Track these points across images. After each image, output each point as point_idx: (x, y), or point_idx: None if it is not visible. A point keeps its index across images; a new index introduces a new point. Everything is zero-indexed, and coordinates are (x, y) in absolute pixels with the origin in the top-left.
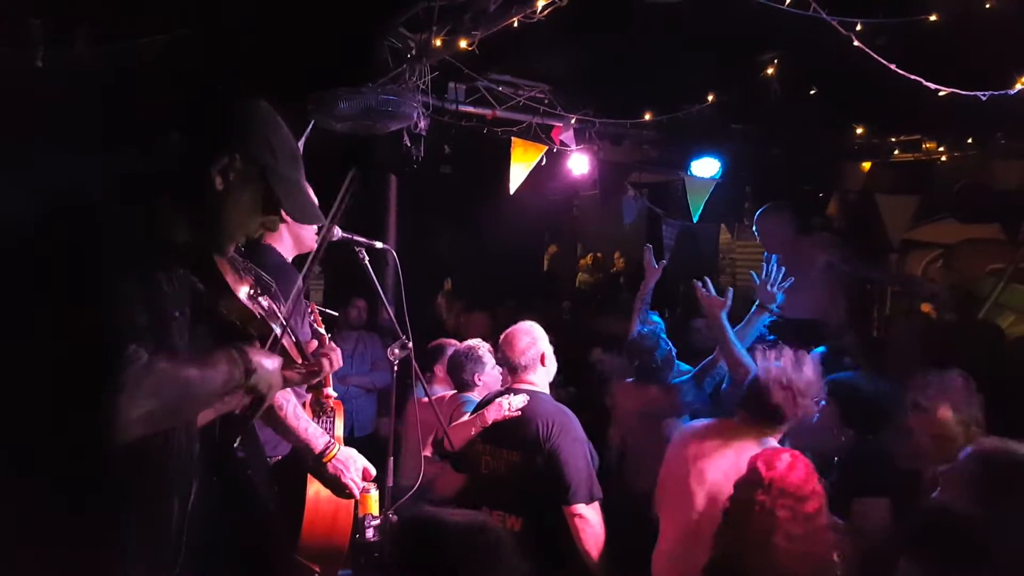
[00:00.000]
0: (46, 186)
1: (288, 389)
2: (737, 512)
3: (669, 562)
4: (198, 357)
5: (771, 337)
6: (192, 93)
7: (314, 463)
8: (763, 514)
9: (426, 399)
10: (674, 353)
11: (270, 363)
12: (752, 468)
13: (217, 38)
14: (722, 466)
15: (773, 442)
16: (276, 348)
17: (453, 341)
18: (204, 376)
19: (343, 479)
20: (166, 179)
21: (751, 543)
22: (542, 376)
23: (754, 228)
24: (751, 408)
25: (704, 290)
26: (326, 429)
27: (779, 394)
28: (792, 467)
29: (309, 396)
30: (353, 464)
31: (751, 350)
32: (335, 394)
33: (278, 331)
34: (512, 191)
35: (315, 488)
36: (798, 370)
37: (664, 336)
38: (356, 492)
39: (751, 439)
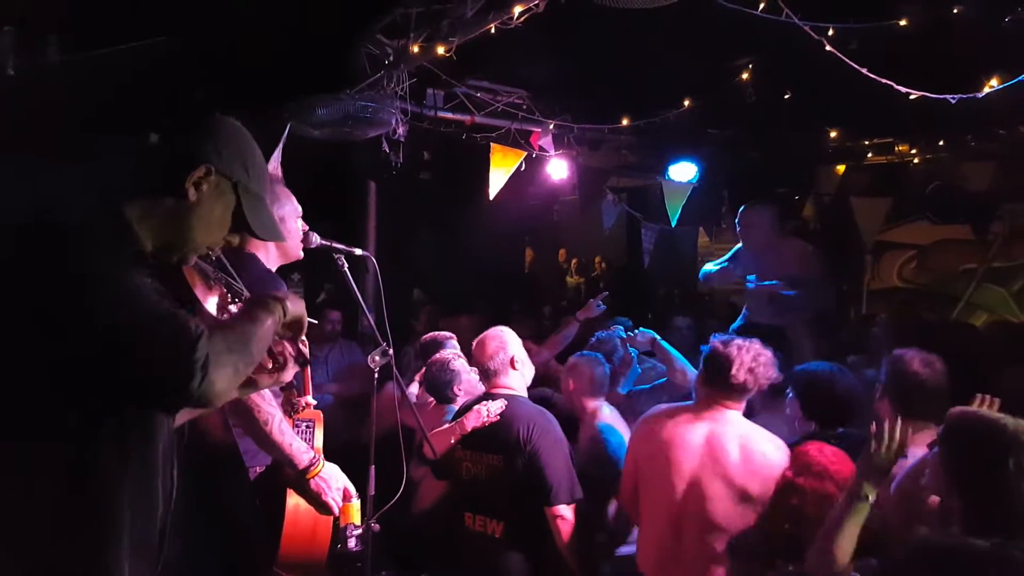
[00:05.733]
0: (22, 194)
1: (273, 404)
2: (802, 497)
3: (657, 550)
4: (235, 316)
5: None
6: (169, 101)
7: (297, 478)
8: (826, 496)
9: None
10: (634, 354)
11: (285, 294)
12: (807, 462)
13: (193, 46)
14: (697, 454)
15: (738, 415)
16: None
17: (447, 333)
18: (254, 320)
19: (324, 497)
20: (138, 188)
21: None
22: (516, 379)
23: (736, 222)
24: (714, 381)
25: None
26: (306, 439)
27: (740, 362)
28: (837, 455)
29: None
30: (335, 482)
31: None
32: (314, 402)
33: None
34: (491, 197)
35: (295, 500)
36: (752, 344)
37: (623, 335)
38: (336, 511)
39: (717, 420)
